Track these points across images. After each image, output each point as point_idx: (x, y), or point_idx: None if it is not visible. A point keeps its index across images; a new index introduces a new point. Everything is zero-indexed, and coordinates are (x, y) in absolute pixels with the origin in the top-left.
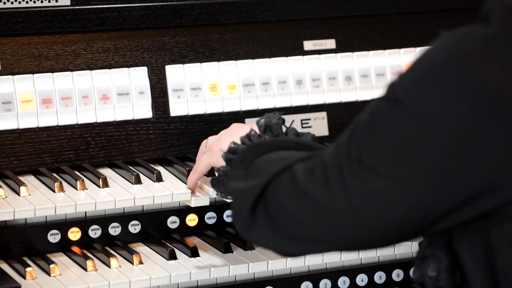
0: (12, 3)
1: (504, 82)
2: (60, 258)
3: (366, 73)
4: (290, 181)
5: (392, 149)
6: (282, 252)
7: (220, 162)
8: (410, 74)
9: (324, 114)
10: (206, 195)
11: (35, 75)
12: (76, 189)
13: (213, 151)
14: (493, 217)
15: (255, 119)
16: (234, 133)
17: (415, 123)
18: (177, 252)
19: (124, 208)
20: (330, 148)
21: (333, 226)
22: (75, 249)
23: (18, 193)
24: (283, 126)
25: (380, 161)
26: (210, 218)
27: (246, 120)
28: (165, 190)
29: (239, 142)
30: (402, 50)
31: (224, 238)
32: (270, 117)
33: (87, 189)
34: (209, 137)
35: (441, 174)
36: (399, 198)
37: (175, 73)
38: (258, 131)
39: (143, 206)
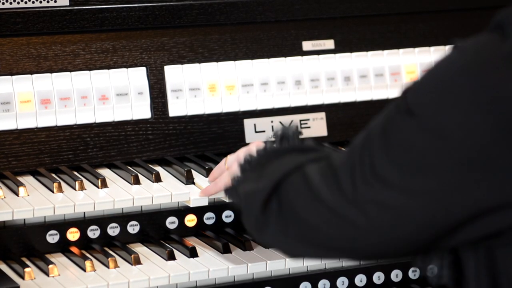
0: (10, 3)
1: None
2: (58, 259)
3: (365, 74)
4: (302, 182)
5: (406, 162)
6: (292, 254)
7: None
8: (424, 85)
9: (322, 115)
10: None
11: (34, 75)
12: (75, 189)
13: (233, 168)
14: (501, 237)
15: (253, 120)
16: (252, 149)
17: (430, 137)
18: (176, 252)
19: (122, 208)
20: (343, 152)
21: (344, 233)
22: (74, 249)
23: (16, 194)
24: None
25: (393, 173)
26: (209, 218)
27: (245, 120)
28: (164, 190)
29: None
30: (401, 50)
31: (223, 239)
32: (287, 129)
33: (85, 189)
34: (228, 156)
35: (453, 189)
36: (411, 212)
37: (174, 74)
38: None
39: (141, 206)
